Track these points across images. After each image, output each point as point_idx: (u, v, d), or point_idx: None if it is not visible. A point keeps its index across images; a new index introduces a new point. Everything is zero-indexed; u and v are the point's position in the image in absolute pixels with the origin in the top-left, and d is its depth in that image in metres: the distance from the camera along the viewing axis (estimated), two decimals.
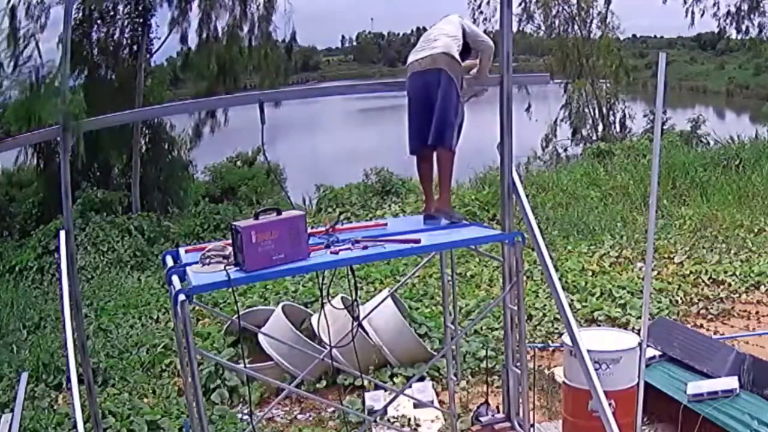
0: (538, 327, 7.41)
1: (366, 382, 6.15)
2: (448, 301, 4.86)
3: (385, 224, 4.43)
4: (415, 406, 5.81)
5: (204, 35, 17.07)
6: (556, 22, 24.49)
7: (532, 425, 4.59)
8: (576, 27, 24.45)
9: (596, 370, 4.10)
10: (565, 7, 24.35)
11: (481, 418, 4.69)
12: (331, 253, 3.80)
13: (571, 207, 12.55)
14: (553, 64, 24.74)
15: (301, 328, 6.63)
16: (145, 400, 6.46)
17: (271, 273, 3.63)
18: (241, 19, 17.17)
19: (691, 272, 8.70)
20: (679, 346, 5.54)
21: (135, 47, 17.29)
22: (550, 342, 7.11)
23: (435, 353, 6.43)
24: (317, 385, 6.37)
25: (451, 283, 4.83)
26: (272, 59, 17.84)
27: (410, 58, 4.53)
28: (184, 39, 17.39)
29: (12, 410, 4.94)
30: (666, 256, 9.43)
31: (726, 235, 10.13)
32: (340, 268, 4.27)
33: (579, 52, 24.17)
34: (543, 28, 24.88)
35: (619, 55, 25.14)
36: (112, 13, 16.96)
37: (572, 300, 7.88)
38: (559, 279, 5.41)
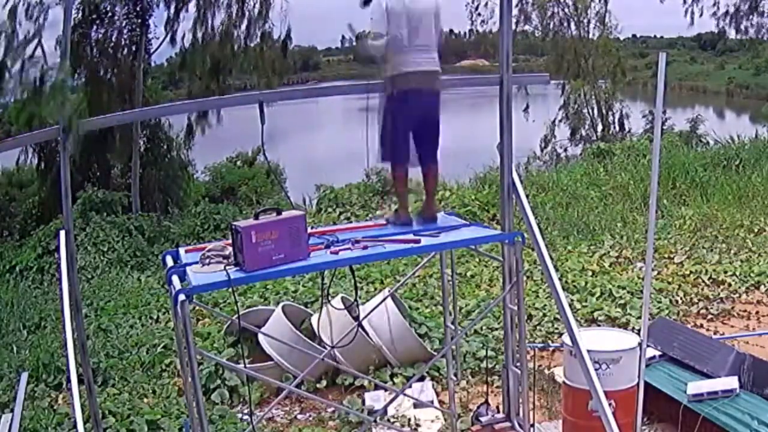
0: (538, 327, 7.41)
1: (366, 382, 6.15)
2: (448, 301, 4.86)
3: (385, 224, 4.43)
4: (415, 406, 5.82)
5: (200, 35, 17.07)
6: (552, 23, 24.51)
7: (532, 425, 4.60)
8: (572, 27, 24.47)
9: (596, 370, 4.10)
10: (561, 8, 24.36)
11: (481, 418, 4.69)
12: (331, 253, 3.81)
13: (571, 207, 12.54)
14: (550, 64, 24.77)
15: (301, 328, 6.63)
16: (145, 400, 6.45)
17: (271, 273, 3.64)
18: (237, 18, 17.16)
19: (691, 272, 8.70)
20: (679, 346, 5.54)
21: (134, 47, 17.30)
22: (550, 342, 7.10)
23: (435, 353, 6.42)
24: (317, 385, 6.37)
25: (451, 283, 4.83)
26: (269, 58, 17.81)
27: (411, 62, 4.26)
28: (180, 39, 17.38)
29: (12, 410, 4.94)
30: (666, 256, 9.43)
31: (726, 235, 10.13)
32: (340, 268, 4.27)
33: (576, 53, 24.17)
34: (540, 28, 24.91)
35: (617, 55, 25.15)
36: (110, 14, 16.97)
37: (572, 300, 7.88)
38: (559, 279, 5.41)
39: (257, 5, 17.15)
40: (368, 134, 4.36)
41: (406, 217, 4.43)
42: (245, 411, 6.06)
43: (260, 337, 6.33)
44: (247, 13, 17.21)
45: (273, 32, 17.66)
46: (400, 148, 4.35)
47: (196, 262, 3.76)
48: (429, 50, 4.32)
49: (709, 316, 7.65)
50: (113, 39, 17.16)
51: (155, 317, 8.93)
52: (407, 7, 4.26)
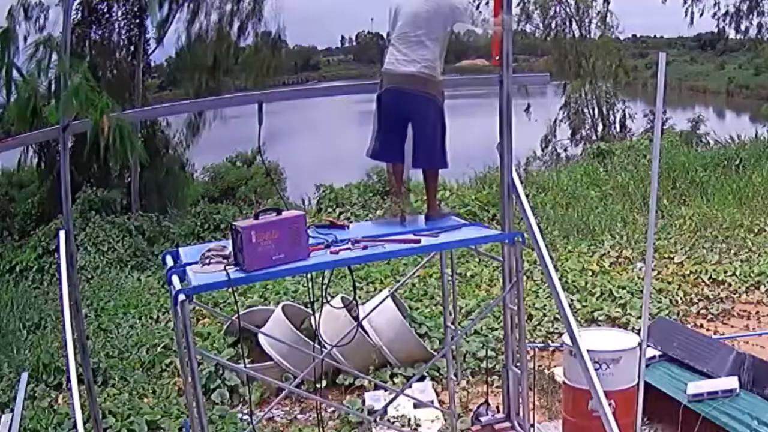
0: (538, 327, 7.40)
1: (366, 382, 6.15)
2: (448, 301, 4.86)
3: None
4: (415, 406, 5.81)
5: (194, 34, 17.08)
6: (553, 23, 24.54)
7: (532, 425, 4.59)
8: (573, 27, 24.50)
9: (596, 370, 4.10)
10: (563, 8, 24.37)
11: (481, 418, 4.68)
12: (331, 253, 3.80)
13: (571, 207, 12.54)
14: (550, 64, 24.78)
15: (301, 328, 6.63)
16: (145, 400, 6.45)
17: (271, 273, 3.64)
18: (231, 17, 17.17)
19: (691, 272, 8.70)
20: (679, 346, 5.54)
21: (132, 47, 17.32)
22: (550, 342, 7.10)
23: (435, 353, 6.42)
24: (317, 385, 6.36)
25: (451, 283, 4.83)
26: (262, 58, 17.81)
27: (390, 59, 4.31)
28: (176, 39, 17.42)
29: (12, 410, 4.94)
30: (666, 256, 9.42)
31: (726, 235, 10.13)
32: (340, 268, 4.26)
33: (577, 53, 24.21)
34: (541, 28, 24.94)
35: (618, 55, 25.17)
36: (109, 14, 17.00)
37: (572, 300, 7.88)
38: (559, 279, 5.41)
39: (250, 4, 17.18)
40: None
41: (395, 215, 4.50)
42: (245, 411, 6.05)
43: (260, 337, 6.33)
44: (240, 14, 17.25)
45: (269, 32, 17.70)
46: (381, 146, 4.43)
47: (196, 262, 3.76)
48: (413, 51, 4.27)
49: (709, 316, 7.65)
50: (112, 39, 17.19)
51: (155, 317, 8.93)
52: (399, 4, 4.31)
